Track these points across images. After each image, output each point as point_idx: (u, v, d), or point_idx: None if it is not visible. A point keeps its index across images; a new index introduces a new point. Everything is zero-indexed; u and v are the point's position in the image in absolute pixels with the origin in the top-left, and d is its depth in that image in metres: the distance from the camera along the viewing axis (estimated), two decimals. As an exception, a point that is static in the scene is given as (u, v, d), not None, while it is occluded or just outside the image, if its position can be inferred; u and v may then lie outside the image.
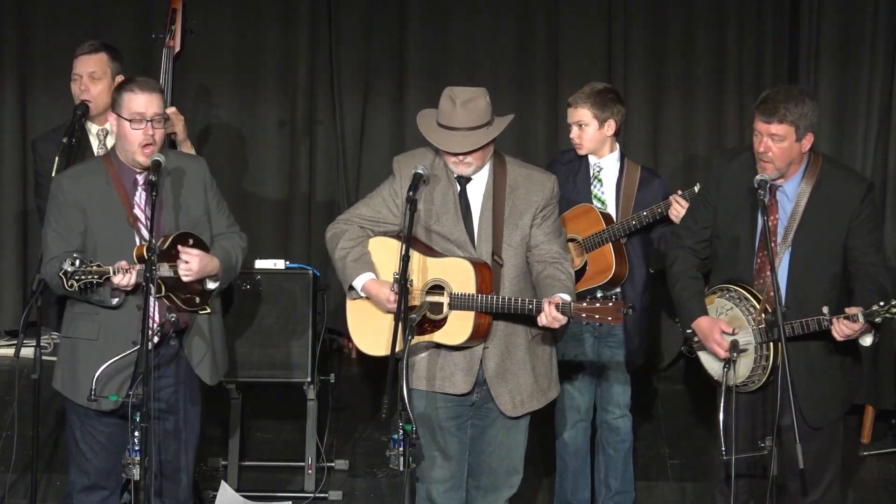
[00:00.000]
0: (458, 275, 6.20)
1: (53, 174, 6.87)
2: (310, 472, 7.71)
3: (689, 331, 6.42)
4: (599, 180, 7.24)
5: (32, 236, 8.93)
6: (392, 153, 8.83)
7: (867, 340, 6.16)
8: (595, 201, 7.21)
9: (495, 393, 6.30)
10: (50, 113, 8.78)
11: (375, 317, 6.33)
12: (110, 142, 7.13)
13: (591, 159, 7.25)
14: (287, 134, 9.13)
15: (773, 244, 6.28)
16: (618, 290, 7.17)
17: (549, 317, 6.05)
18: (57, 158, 6.89)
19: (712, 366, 6.39)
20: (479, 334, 6.23)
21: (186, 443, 6.42)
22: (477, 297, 6.17)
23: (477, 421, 6.38)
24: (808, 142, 6.25)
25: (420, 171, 6.21)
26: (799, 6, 8.89)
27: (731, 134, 9.04)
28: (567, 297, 6.08)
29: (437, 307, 6.23)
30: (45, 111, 8.93)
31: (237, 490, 7.62)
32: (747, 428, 6.32)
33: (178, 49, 7.70)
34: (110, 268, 6.10)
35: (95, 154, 7.09)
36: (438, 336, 6.23)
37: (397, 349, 5.92)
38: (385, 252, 6.31)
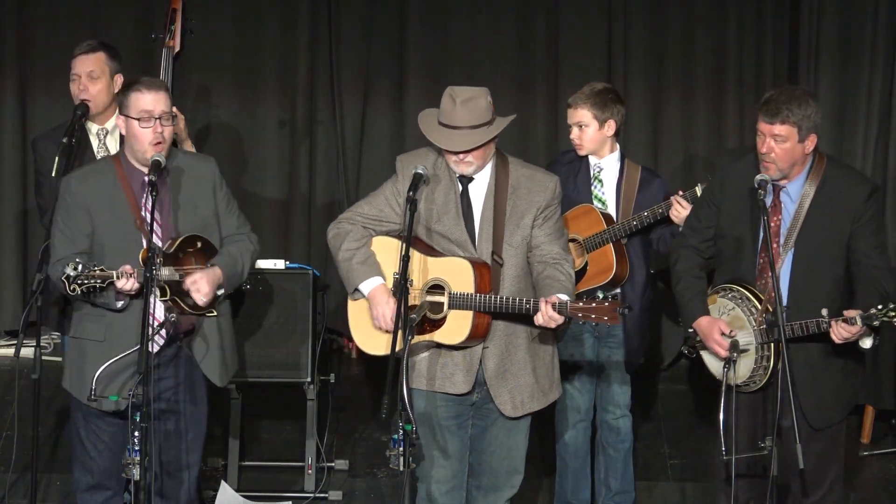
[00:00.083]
0: (458, 274, 6.20)
1: (53, 174, 6.88)
2: (310, 472, 7.71)
3: (690, 330, 6.42)
4: (600, 181, 7.24)
5: (32, 236, 8.94)
6: (392, 153, 8.85)
7: (867, 343, 6.15)
8: (595, 202, 7.20)
9: (495, 393, 6.30)
10: (50, 113, 8.78)
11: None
12: (110, 141, 7.14)
13: (592, 160, 7.25)
14: (287, 134, 9.13)
15: (775, 245, 6.28)
16: (618, 290, 7.16)
17: (546, 316, 6.05)
18: (57, 158, 6.89)
19: (714, 365, 6.39)
20: (478, 334, 6.23)
21: (192, 443, 6.43)
22: (475, 296, 6.17)
23: (478, 421, 6.38)
24: (811, 143, 6.25)
25: (420, 171, 6.21)
26: (799, 6, 8.89)
27: (731, 134, 9.04)
28: (564, 297, 6.08)
29: (437, 307, 6.23)
30: (45, 111, 8.93)
31: (237, 490, 7.62)
32: (748, 428, 6.32)
33: (178, 49, 7.70)
34: (114, 272, 6.11)
35: (95, 153, 7.10)
36: (437, 335, 6.24)
37: (397, 349, 5.92)
38: (386, 251, 6.31)
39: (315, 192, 9.15)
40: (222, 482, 7.60)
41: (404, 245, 6.05)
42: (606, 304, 6.02)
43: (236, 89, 9.10)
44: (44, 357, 6.79)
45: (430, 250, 6.28)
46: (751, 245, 6.32)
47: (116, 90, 7.14)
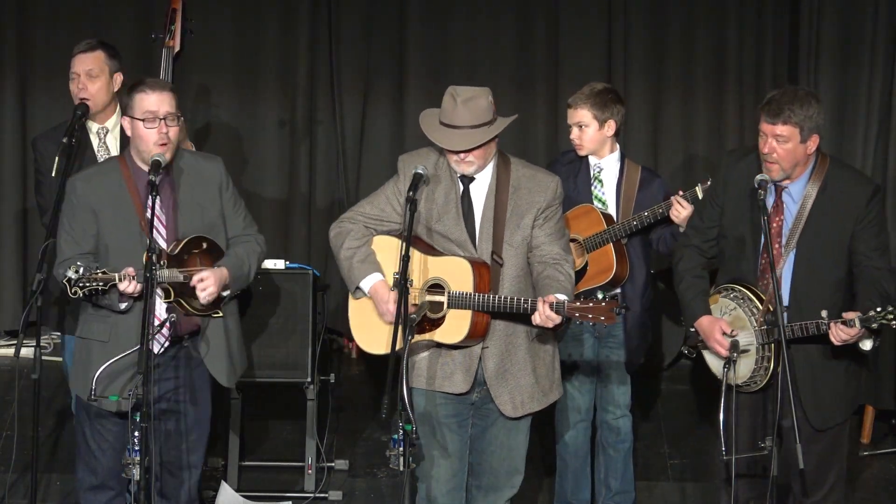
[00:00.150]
0: (457, 274, 6.21)
1: (53, 173, 6.88)
2: (310, 472, 7.71)
3: (692, 329, 6.42)
4: (600, 181, 7.24)
5: (32, 236, 8.94)
6: (392, 153, 8.87)
7: (866, 345, 6.15)
8: (595, 202, 7.20)
9: (495, 393, 6.30)
10: (50, 113, 8.78)
11: (377, 315, 6.34)
12: (110, 140, 7.15)
13: (592, 160, 7.25)
14: (287, 134, 9.13)
15: (777, 246, 6.28)
16: (618, 290, 7.16)
17: (543, 315, 6.06)
18: (57, 158, 6.89)
19: (716, 365, 6.39)
20: (477, 333, 6.23)
21: (194, 443, 6.43)
22: (474, 295, 6.17)
23: (478, 421, 6.38)
24: (813, 143, 6.25)
25: (420, 172, 6.21)
26: (799, 6, 8.89)
27: (731, 134, 9.05)
28: (562, 297, 6.07)
29: (437, 306, 6.24)
30: (45, 111, 8.93)
31: (237, 490, 7.62)
32: (749, 428, 6.32)
33: (178, 49, 7.71)
34: (116, 275, 6.11)
35: (96, 152, 7.10)
36: (437, 335, 6.24)
37: (397, 349, 5.92)
38: (387, 251, 6.32)
39: (315, 192, 9.15)
40: (222, 482, 7.60)
41: (404, 245, 6.06)
42: (603, 304, 6.02)
43: (236, 89, 9.10)
44: (44, 357, 6.78)
45: (430, 250, 6.29)
46: (752, 245, 6.32)
47: (116, 89, 7.15)
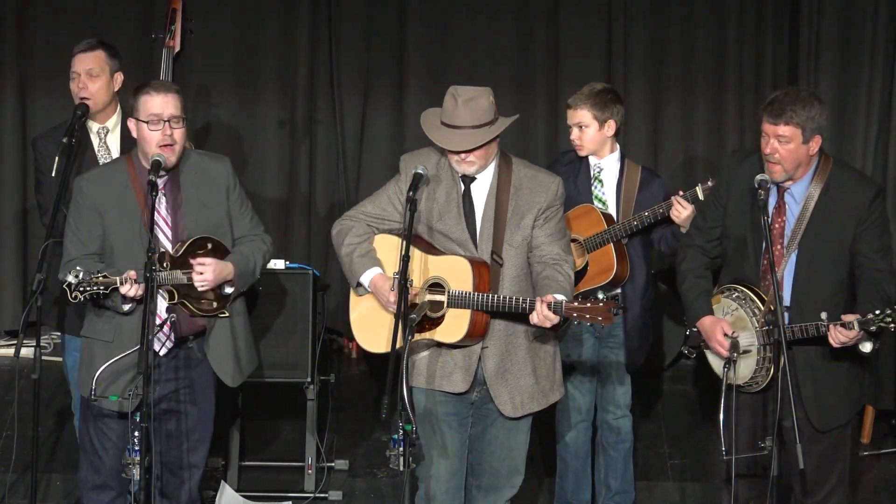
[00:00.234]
0: (457, 273, 6.21)
1: (53, 173, 6.88)
2: (310, 472, 7.71)
3: (693, 329, 6.42)
4: (600, 181, 7.24)
5: (32, 236, 8.94)
6: (392, 153, 8.87)
7: (866, 347, 6.14)
8: (596, 202, 7.20)
9: (494, 393, 6.30)
10: (50, 113, 8.78)
11: (377, 314, 6.34)
12: (111, 140, 7.15)
13: (592, 160, 7.25)
14: (287, 134, 9.13)
15: (779, 246, 6.28)
16: (618, 290, 7.16)
17: (541, 315, 6.06)
18: (57, 158, 6.89)
19: (717, 365, 6.38)
20: (476, 332, 6.23)
21: (197, 443, 6.43)
22: (473, 295, 6.17)
23: (478, 421, 6.39)
24: (815, 144, 6.25)
25: (420, 171, 6.22)
26: (799, 6, 8.89)
27: (731, 134, 9.05)
28: (560, 297, 6.07)
29: (437, 305, 6.24)
30: (45, 111, 8.93)
31: (237, 490, 7.62)
32: (750, 428, 6.32)
33: (178, 49, 7.71)
34: (117, 278, 6.12)
35: (96, 151, 7.10)
36: (436, 333, 6.24)
37: (397, 348, 5.92)
38: (388, 250, 6.32)
39: (315, 192, 9.15)
40: (222, 482, 7.60)
41: (404, 244, 6.06)
42: (601, 304, 6.03)
43: (236, 89, 9.10)
44: (44, 357, 6.78)
45: (431, 249, 6.29)
46: (754, 246, 6.32)
47: (116, 89, 7.16)
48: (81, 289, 6.08)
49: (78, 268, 6.09)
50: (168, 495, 6.41)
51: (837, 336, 6.07)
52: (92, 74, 7.09)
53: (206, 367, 6.39)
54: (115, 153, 7.11)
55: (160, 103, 6.24)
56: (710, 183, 6.97)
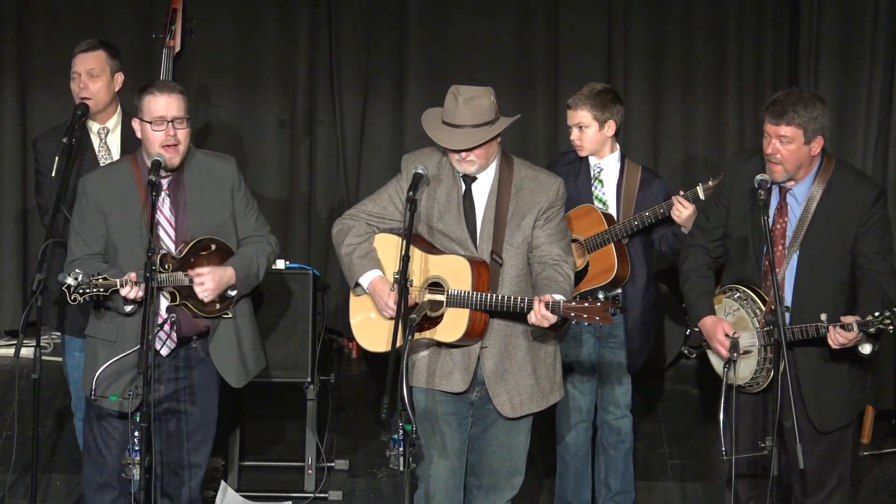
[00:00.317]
0: (456, 272, 6.21)
1: (53, 173, 6.88)
2: (310, 472, 7.71)
3: (695, 329, 6.42)
4: (600, 181, 7.24)
5: (32, 236, 8.94)
6: (392, 153, 8.88)
7: (866, 349, 6.13)
8: (596, 202, 7.20)
9: (493, 393, 6.30)
10: (50, 113, 8.78)
11: (377, 313, 6.34)
12: (111, 140, 7.15)
13: (592, 160, 7.24)
14: (287, 134, 9.13)
15: (780, 247, 6.27)
16: (619, 290, 7.16)
17: (539, 315, 6.05)
18: (57, 158, 6.89)
19: (719, 365, 6.38)
20: (475, 332, 6.23)
21: (199, 443, 6.43)
22: (471, 294, 6.18)
23: (478, 421, 6.38)
24: (817, 145, 6.24)
25: (420, 171, 6.22)
26: (799, 6, 8.89)
27: (731, 134, 9.05)
28: (558, 297, 6.07)
29: (437, 304, 6.24)
30: (45, 111, 8.93)
31: (237, 490, 7.62)
32: (751, 428, 6.32)
33: (178, 49, 7.71)
34: (117, 280, 6.12)
35: (96, 152, 7.10)
36: (435, 333, 6.24)
37: (397, 347, 5.92)
38: (388, 249, 6.32)
39: (315, 192, 9.15)
40: (222, 482, 7.60)
41: (404, 244, 6.06)
42: (599, 304, 6.02)
43: (236, 89, 9.10)
44: (44, 357, 6.79)
45: (431, 248, 6.29)
46: (755, 246, 6.31)
47: (117, 89, 7.16)
48: (80, 291, 6.08)
49: (77, 270, 6.09)
50: (169, 495, 6.41)
51: (837, 337, 6.07)
52: (93, 74, 7.09)
53: (209, 367, 6.39)
54: (116, 153, 7.11)
55: (164, 104, 6.25)
56: (710, 182, 6.97)
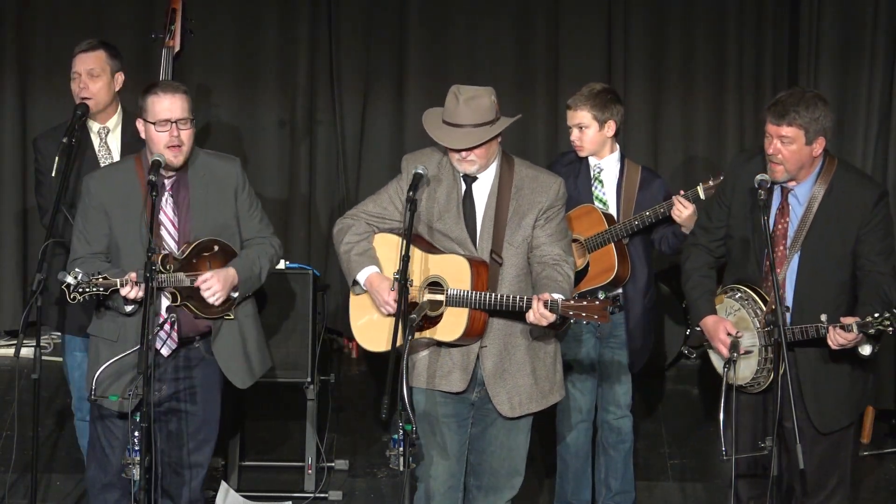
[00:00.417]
0: (455, 272, 6.21)
1: (53, 173, 6.88)
2: (310, 472, 7.71)
3: (697, 329, 6.42)
4: (600, 181, 7.24)
5: (32, 236, 8.94)
6: (392, 153, 8.87)
7: (865, 350, 6.13)
8: (596, 202, 7.20)
9: (492, 393, 6.30)
10: (50, 113, 8.78)
11: (377, 313, 6.34)
12: (111, 140, 7.15)
13: (592, 160, 7.24)
14: (287, 134, 9.13)
15: (782, 247, 6.27)
16: (619, 290, 7.16)
17: (537, 313, 6.05)
18: (57, 158, 6.89)
19: (720, 365, 6.38)
20: (474, 331, 6.23)
21: (201, 443, 6.43)
22: (471, 293, 6.18)
23: (478, 421, 6.38)
24: (819, 146, 6.24)
25: (420, 171, 6.22)
26: (799, 6, 8.89)
27: (731, 134, 9.05)
28: (557, 296, 6.07)
29: (436, 304, 6.24)
30: (45, 111, 8.93)
31: (237, 490, 7.62)
32: (752, 428, 6.31)
33: (178, 49, 7.70)
34: (118, 280, 6.12)
35: (97, 152, 7.10)
36: (434, 332, 6.24)
37: (397, 346, 5.92)
38: (388, 249, 6.32)
39: (315, 192, 9.15)
40: (222, 482, 7.60)
41: (404, 244, 6.06)
42: (597, 302, 6.02)
43: (236, 89, 9.10)
44: (44, 357, 6.79)
45: (431, 248, 6.29)
46: (757, 246, 6.31)
47: (117, 89, 7.17)
48: (80, 290, 6.09)
49: (77, 269, 6.10)
50: (170, 495, 6.42)
51: (836, 338, 6.07)
52: (93, 74, 7.09)
53: (211, 367, 6.39)
54: (116, 153, 7.11)
55: (168, 105, 6.25)
56: (711, 182, 6.97)
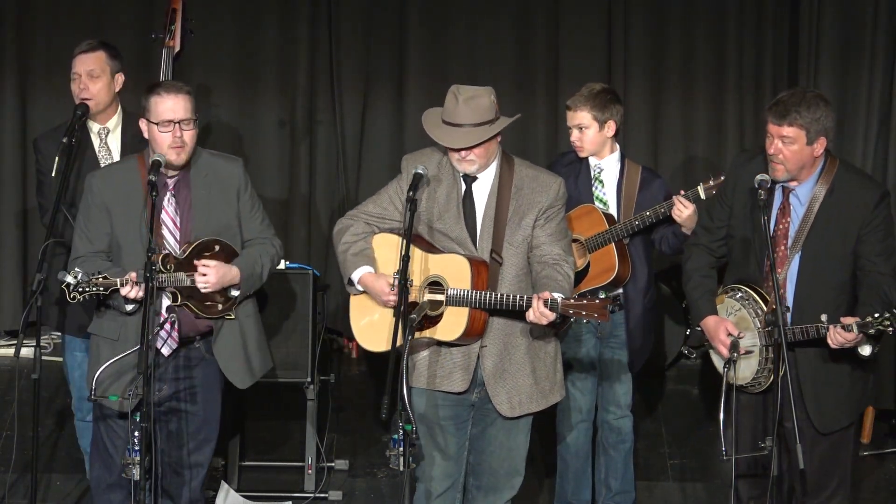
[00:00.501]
0: (455, 271, 6.21)
1: (53, 174, 6.88)
2: (310, 472, 7.71)
3: (697, 328, 6.42)
4: (600, 181, 7.24)
5: (32, 236, 8.94)
6: (392, 153, 8.87)
7: (865, 350, 6.13)
8: (596, 202, 7.20)
9: (492, 393, 6.30)
10: (50, 113, 8.78)
11: (377, 313, 6.34)
12: (111, 140, 7.15)
13: (592, 161, 7.24)
14: (287, 134, 9.12)
15: (783, 247, 6.27)
16: (620, 290, 7.16)
17: (537, 312, 6.06)
18: (57, 158, 6.89)
19: (721, 365, 6.38)
20: (474, 331, 6.24)
21: (202, 443, 6.44)
22: (470, 292, 6.18)
23: (478, 421, 6.39)
24: (820, 146, 6.24)
25: (420, 171, 6.23)
26: (799, 6, 8.89)
27: (731, 134, 9.04)
28: (556, 295, 6.07)
29: (436, 304, 6.24)
30: (45, 111, 8.92)
31: (237, 490, 7.62)
32: (752, 428, 6.32)
33: (178, 49, 7.71)
34: (117, 279, 6.12)
35: (97, 152, 7.10)
36: (435, 332, 6.24)
37: (398, 346, 5.92)
38: (388, 248, 6.33)
39: (315, 192, 9.14)
40: (222, 482, 7.60)
41: (404, 244, 6.06)
42: (597, 301, 6.03)
43: (236, 89, 9.10)
44: (44, 357, 6.79)
45: (431, 248, 6.30)
46: (757, 246, 6.31)
47: (117, 89, 7.17)
48: (80, 289, 6.09)
49: (77, 269, 6.10)
50: (171, 494, 6.42)
51: (836, 338, 6.07)
52: (93, 75, 7.09)
53: (212, 367, 6.39)
54: (116, 154, 7.12)
55: (171, 106, 6.26)
56: (711, 182, 6.97)
